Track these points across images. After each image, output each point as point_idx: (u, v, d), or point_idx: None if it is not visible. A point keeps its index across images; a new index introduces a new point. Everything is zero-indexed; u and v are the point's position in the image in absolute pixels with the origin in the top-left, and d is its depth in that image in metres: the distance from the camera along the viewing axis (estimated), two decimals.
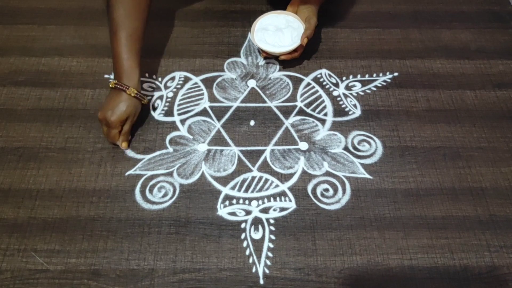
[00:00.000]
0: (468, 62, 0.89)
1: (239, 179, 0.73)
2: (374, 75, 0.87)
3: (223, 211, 0.70)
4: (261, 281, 0.64)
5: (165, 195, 0.71)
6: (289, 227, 0.69)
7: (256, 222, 0.69)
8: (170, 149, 0.76)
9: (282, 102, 0.83)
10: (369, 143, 0.78)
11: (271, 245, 0.67)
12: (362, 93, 0.84)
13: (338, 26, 0.95)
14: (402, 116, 0.81)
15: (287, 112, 0.81)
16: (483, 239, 0.68)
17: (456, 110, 0.82)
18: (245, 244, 0.67)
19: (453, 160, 0.76)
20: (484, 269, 0.66)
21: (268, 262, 0.66)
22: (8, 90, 0.83)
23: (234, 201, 0.71)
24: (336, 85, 0.85)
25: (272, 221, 0.69)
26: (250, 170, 0.74)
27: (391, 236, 0.68)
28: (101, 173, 0.73)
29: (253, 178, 0.74)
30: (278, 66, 0.88)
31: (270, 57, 0.87)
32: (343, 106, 0.82)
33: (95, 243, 0.67)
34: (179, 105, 0.82)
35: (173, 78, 0.85)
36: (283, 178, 0.74)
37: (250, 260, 0.66)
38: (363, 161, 0.76)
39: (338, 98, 0.83)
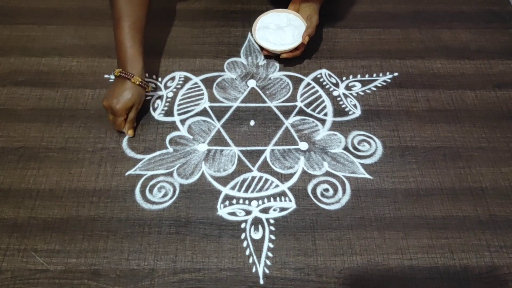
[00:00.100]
0: (468, 62, 0.89)
1: (239, 179, 0.73)
2: (374, 75, 0.87)
3: (223, 211, 0.70)
4: (261, 281, 0.64)
5: (165, 195, 0.72)
6: (289, 227, 0.69)
7: (256, 222, 0.69)
8: (170, 149, 0.76)
9: (282, 102, 0.83)
10: (369, 143, 0.78)
11: (271, 245, 0.67)
12: (362, 93, 0.84)
13: (338, 26, 0.95)
14: (402, 116, 0.81)
15: (287, 112, 0.81)
16: (483, 239, 0.68)
17: (456, 110, 0.82)
18: (245, 244, 0.67)
19: (453, 160, 0.76)
20: (484, 269, 0.66)
21: (268, 262, 0.66)
22: (9, 90, 0.83)
23: (234, 201, 0.71)
24: (336, 85, 0.85)
25: (272, 221, 0.69)
26: (250, 170, 0.74)
27: (391, 236, 0.68)
28: (101, 173, 0.73)
29: (253, 178, 0.74)
30: (278, 66, 0.88)
31: (271, 55, 0.87)
32: (343, 106, 0.82)
33: (95, 243, 0.67)
34: (179, 105, 0.82)
35: (173, 78, 0.85)
36: (283, 178, 0.74)
37: (250, 260, 0.66)
38: (363, 161, 0.76)
39: (338, 98, 0.83)
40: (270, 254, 0.66)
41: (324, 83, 0.86)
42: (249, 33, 0.93)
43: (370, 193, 0.72)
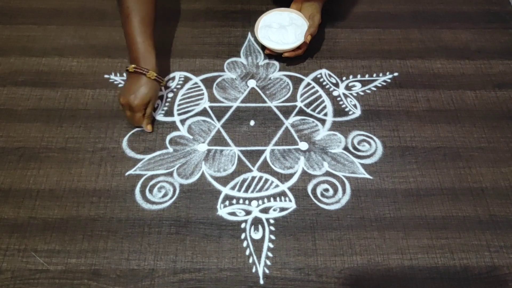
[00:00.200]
0: (468, 62, 0.89)
1: (239, 179, 0.73)
2: (374, 75, 0.87)
3: (223, 211, 0.70)
4: (261, 281, 0.64)
5: (165, 195, 0.72)
6: (289, 227, 0.69)
7: (256, 222, 0.69)
8: (170, 149, 0.76)
9: (282, 102, 0.83)
10: (369, 143, 0.78)
11: (271, 245, 0.67)
12: (362, 93, 0.84)
13: (339, 26, 0.95)
14: (402, 116, 0.81)
15: (287, 112, 0.81)
16: (483, 239, 0.68)
17: (456, 110, 0.82)
18: (245, 244, 0.67)
19: (453, 160, 0.76)
20: (484, 269, 0.66)
21: (268, 262, 0.66)
22: (9, 90, 0.83)
23: (234, 201, 0.71)
24: (336, 85, 0.85)
25: (272, 221, 0.69)
26: (250, 170, 0.74)
27: (391, 236, 0.68)
28: (101, 173, 0.73)
29: (253, 178, 0.74)
30: (278, 66, 0.88)
31: (273, 54, 0.87)
32: (343, 106, 0.82)
33: (95, 243, 0.67)
34: (179, 105, 0.82)
35: (173, 78, 0.86)
36: (283, 178, 0.74)
37: (250, 260, 0.66)
38: (363, 161, 0.76)
39: (338, 98, 0.83)
40: (270, 254, 0.67)
41: (324, 83, 0.86)
42: (249, 33, 0.93)
43: (370, 193, 0.72)
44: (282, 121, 0.80)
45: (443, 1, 1.00)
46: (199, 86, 0.85)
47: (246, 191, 0.72)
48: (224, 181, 0.73)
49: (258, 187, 0.73)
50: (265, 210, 0.70)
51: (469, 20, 0.97)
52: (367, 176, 0.74)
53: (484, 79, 0.87)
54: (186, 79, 0.86)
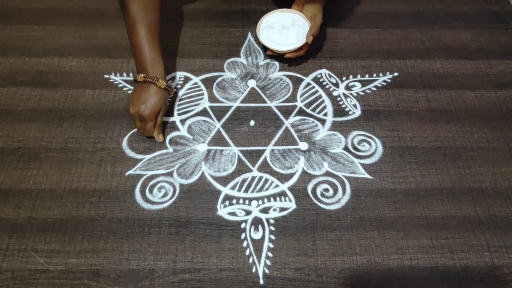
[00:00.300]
0: (468, 62, 0.89)
1: (239, 179, 0.73)
2: (374, 75, 0.87)
3: (223, 211, 0.70)
4: (261, 281, 0.64)
5: (165, 195, 0.72)
6: (289, 227, 0.69)
7: (256, 222, 0.69)
8: (170, 149, 0.76)
9: (282, 102, 0.83)
10: (369, 143, 0.78)
11: (271, 245, 0.67)
12: (362, 93, 0.84)
13: (339, 26, 0.95)
14: (402, 116, 0.81)
15: (287, 112, 0.81)
16: (483, 239, 0.68)
17: (456, 110, 0.82)
18: (245, 244, 0.67)
19: (453, 160, 0.76)
20: (484, 269, 0.66)
21: (268, 262, 0.66)
22: (9, 90, 0.83)
23: (234, 201, 0.71)
24: (336, 85, 0.85)
25: (272, 221, 0.69)
26: (250, 170, 0.74)
27: (391, 236, 0.68)
28: (101, 173, 0.73)
29: (253, 178, 0.74)
30: (278, 66, 0.88)
31: (275, 55, 0.87)
32: (343, 106, 0.82)
33: (95, 243, 0.67)
34: (179, 105, 0.82)
35: (173, 78, 0.86)
36: (283, 178, 0.74)
37: (250, 260, 0.66)
38: (363, 161, 0.76)
39: (338, 98, 0.83)
40: (270, 254, 0.67)
41: (324, 83, 0.86)
42: (249, 33, 0.93)
43: (370, 193, 0.72)
44: (282, 121, 0.80)
45: (443, 1, 1.00)
46: (199, 86, 0.85)
47: (246, 191, 0.72)
48: (224, 181, 0.73)
49: (258, 187, 0.73)
50: (265, 210, 0.70)
51: (469, 20, 0.97)
52: (367, 176, 0.74)
53: (484, 79, 0.87)
54: (186, 79, 0.86)
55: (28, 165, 0.74)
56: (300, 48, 0.85)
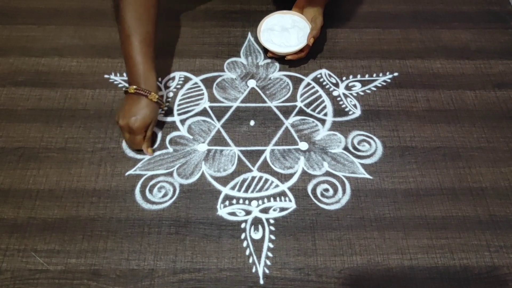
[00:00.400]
0: (468, 62, 0.89)
1: (239, 179, 0.73)
2: (374, 75, 0.87)
3: (223, 211, 0.70)
4: (261, 281, 0.64)
5: (165, 195, 0.71)
6: (289, 227, 0.69)
7: (256, 222, 0.69)
8: (170, 149, 0.76)
9: (282, 102, 0.83)
10: (369, 143, 0.78)
11: (271, 245, 0.67)
12: (362, 93, 0.84)
13: (338, 26, 0.95)
14: (402, 116, 0.81)
15: (287, 112, 0.81)
16: (483, 239, 0.68)
17: (456, 110, 0.82)
18: (245, 244, 0.67)
19: (453, 160, 0.76)
20: (484, 269, 0.66)
21: (268, 262, 0.66)
22: (8, 90, 0.83)
23: (234, 201, 0.71)
24: (336, 85, 0.85)
25: (272, 221, 0.69)
26: (250, 170, 0.74)
27: (391, 236, 0.68)
28: (101, 173, 0.73)
29: (253, 178, 0.74)
30: (278, 66, 0.88)
31: (276, 57, 0.87)
32: (343, 106, 0.82)
33: (95, 243, 0.67)
34: (179, 105, 0.82)
35: (173, 78, 0.85)
36: (283, 178, 0.74)
37: (250, 260, 0.66)
38: (363, 161, 0.76)
39: (338, 98, 0.83)
40: (270, 254, 0.66)
41: (324, 83, 0.86)
42: (249, 33, 0.93)
43: (370, 193, 0.72)
44: (282, 121, 0.80)
45: (443, 1, 1.00)
46: (199, 86, 0.85)
47: (246, 191, 0.72)
48: (224, 181, 0.73)
49: (258, 187, 0.73)
50: (265, 210, 0.70)
51: (469, 20, 0.97)
52: (367, 176, 0.74)
53: (483, 79, 0.87)
54: (186, 79, 0.86)
55: (27, 165, 0.74)
56: (301, 50, 0.85)
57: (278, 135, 0.78)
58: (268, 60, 0.88)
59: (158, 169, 0.74)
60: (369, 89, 0.85)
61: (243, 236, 0.68)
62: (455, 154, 0.77)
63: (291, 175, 0.74)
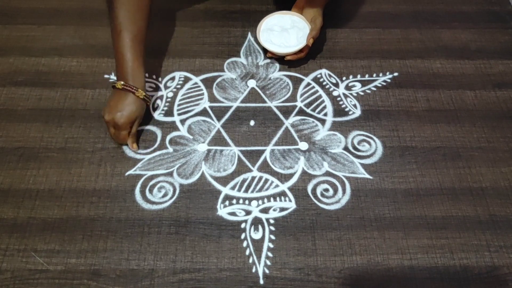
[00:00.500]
0: (468, 62, 0.89)
1: (239, 179, 0.73)
2: (374, 75, 0.87)
3: (223, 211, 0.70)
4: (261, 281, 0.64)
5: (165, 195, 0.71)
6: (289, 227, 0.69)
7: (256, 222, 0.69)
8: (170, 149, 0.76)
9: (282, 102, 0.83)
10: (369, 143, 0.78)
11: (271, 245, 0.67)
12: (362, 93, 0.84)
13: (338, 26, 0.95)
14: (402, 116, 0.81)
15: (287, 112, 0.81)
16: (483, 239, 0.68)
17: (456, 110, 0.82)
18: (245, 244, 0.67)
19: (453, 160, 0.76)
20: (484, 269, 0.66)
21: (268, 262, 0.66)
22: (8, 90, 0.83)
23: (234, 201, 0.71)
24: (336, 85, 0.85)
25: (272, 221, 0.69)
26: (250, 170, 0.74)
27: (391, 236, 0.68)
28: (101, 173, 0.73)
29: (253, 178, 0.74)
30: (278, 66, 0.88)
31: (275, 58, 0.87)
32: (343, 106, 0.82)
33: (95, 243, 0.67)
34: (179, 105, 0.82)
35: (173, 78, 0.85)
36: (283, 178, 0.74)
37: (250, 260, 0.66)
38: (363, 161, 0.76)
39: (338, 98, 0.83)
40: (270, 254, 0.66)
41: (324, 83, 0.86)
42: (249, 33, 0.93)
43: (370, 193, 0.72)
44: (282, 121, 0.80)
45: (443, 1, 1.00)
46: (199, 86, 0.85)
47: (246, 191, 0.72)
48: (224, 181, 0.73)
49: (258, 187, 0.73)
50: (265, 210, 0.70)
51: (469, 20, 0.97)
52: (367, 176, 0.74)
53: (483, 79, 0.87)
54: (186, 79, 0.86)
55: (27, 165, 0.74)
56: (301, 51, 0.85)
57: (278, 135, 0.78)
58: (268, 60, 0.89)
59: (158, 169, 0.74)
60: (369, 89, 0.85)
61: (243, 236, 0.68)
62: (455, 154, 0.77)
63: (291, 175, 0.74)
